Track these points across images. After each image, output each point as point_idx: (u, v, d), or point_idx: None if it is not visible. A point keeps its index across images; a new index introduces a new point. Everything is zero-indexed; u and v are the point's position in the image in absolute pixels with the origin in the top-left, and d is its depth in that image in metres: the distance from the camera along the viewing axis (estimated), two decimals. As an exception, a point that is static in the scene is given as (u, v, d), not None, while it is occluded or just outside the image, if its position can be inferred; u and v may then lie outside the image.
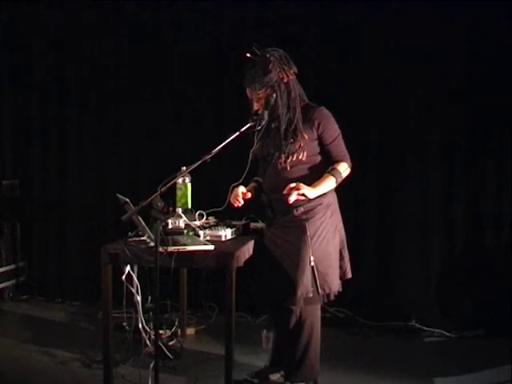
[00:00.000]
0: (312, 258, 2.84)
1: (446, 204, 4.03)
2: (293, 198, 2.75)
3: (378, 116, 4.15)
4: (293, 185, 2.77)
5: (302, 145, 2.84)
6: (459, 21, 3.94)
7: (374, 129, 4.17)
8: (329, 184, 2.88)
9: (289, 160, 2.86)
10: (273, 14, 4.20)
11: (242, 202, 3.02)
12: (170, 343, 3.63)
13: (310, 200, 2.84)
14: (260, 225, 3.31)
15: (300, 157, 2.85)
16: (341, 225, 3.05)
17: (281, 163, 2.88)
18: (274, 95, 2.86)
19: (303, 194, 2.77)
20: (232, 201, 3.03)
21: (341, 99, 4.04)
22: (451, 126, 4.02)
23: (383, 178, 4.18)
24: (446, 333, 3.98)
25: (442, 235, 4.04)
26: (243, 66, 2.91)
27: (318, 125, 2.88)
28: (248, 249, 3.01)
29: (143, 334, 3.04)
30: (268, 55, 2.86)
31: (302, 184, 2.78)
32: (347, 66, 4.14)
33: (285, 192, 2.76)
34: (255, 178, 3.17)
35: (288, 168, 2.87)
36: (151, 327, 3.30)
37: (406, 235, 4.14)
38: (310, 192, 2.81)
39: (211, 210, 3.31)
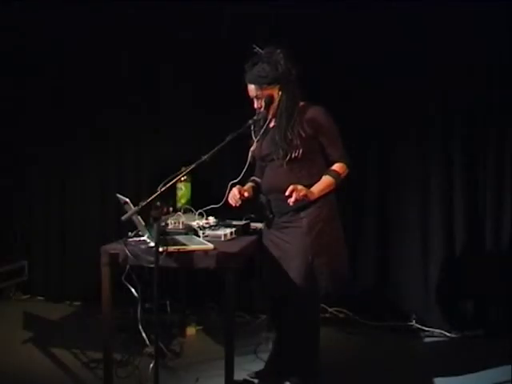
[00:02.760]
0: (311, 258, 2.84)
1: (445, 204, 4.02)
2: (293, 199, 2.74)
3: (378, 116, 4.15)
4: (294, 186, 2.75)
5: (298, 143, 2.84)
6: (458, 21, 3.94)
7: (373, 129, 4.17)
8: (328, 186, 2.88)
9: (287, 158, 2.86)
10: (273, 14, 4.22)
11: (240, 202, 2.98)
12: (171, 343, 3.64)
13: (309, 201, 2.85)
14: (260, 225, 3.31)
15: (296, 154, 2.84)
16: (340, 224, 3.04)
17: (279, 162, 2.88)
18: (280, 92, 2.86)
19: (305, 196, 2.77)
20: (230, 201, 3.00)
21: (340, 99, 4.05)
22: (451, 126, 4.01)
23: (383, 178, 4.18)
24: (446, 333, 3.98)
25: (441, 235, 4.03)
26: (246, 63, 2.89)
27: (316, 124, 2.88)
28: (248, 249, 3.01)
29: (143, 334, 3.04)
30: (277, 50, 2.85)
31: (301, 186, 2.77)
32: (346, 65, 4.14)
33: (287, 193, 2.76)
34: (252, 178, 3.17)
35: (286, 167, 2.87)
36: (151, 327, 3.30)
37: (405, 235, 4.14)
38: (310, 194, 2.81)
39: (209, 207, 3.30)
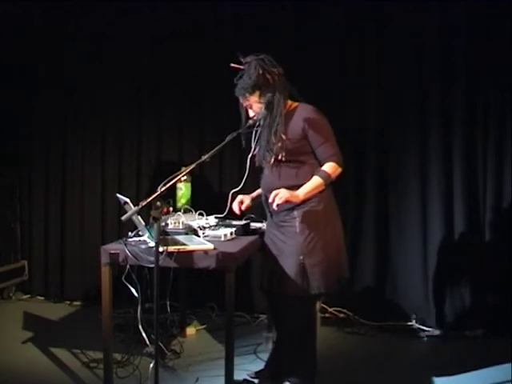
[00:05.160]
0: (302, 258, 2.84)
1: (445, 203, 4.02)
2: (275, 205, 2.79)
3: (376, 113, 4.15)
4: (276, 192, 2.80)
5: (279, 146, 2.85)
6: (455, 17, 3.95)
7: (371, 126, 4.17)
8: (316, 186, 2.89)
9: (272, 161, 2.89)
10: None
11: (239, 213, 3.16)
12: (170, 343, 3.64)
13: (296, 204, 2.86)
14: (260, 225, 3.31)
15: (280, 158, 2.87)
16: (338, 223, 3.05)
17: (268, 164, 2.91)
18: (263, 98, 2.87)
19: (288, 200, 2.79)
20: (234, 208, 3.16)
21: (339, 98, 4.06)
22: (450, 123, 4.01)
23: (382, 178, 4.18)
24: (446, 333, 3.98)
25: (441, 235, 4.03)
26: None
27: (306, 124, 2.89)
28: (248, 249, 3.02)
29: (143, 334, 3.04)
30: (249, 60, 2.89)
31: (284, 190, 2.80)
32: (346, 64, 4.15)
33: (270, 200, 2.81)
34: None
35: (277, 168, 2.91)
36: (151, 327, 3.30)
37: (405, 235, 4.14)
38: (294, 197, 2.83)
39: (213, 216, 3.34)
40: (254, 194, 3.21)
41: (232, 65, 2.90)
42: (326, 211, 2.94)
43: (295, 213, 2.89)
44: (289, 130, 2.87)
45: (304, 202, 2.87)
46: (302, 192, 2.86)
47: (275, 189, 2.83)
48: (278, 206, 2.79)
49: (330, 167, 2.91)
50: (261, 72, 2.85)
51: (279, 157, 2.86)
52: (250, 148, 3.02)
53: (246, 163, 3.03)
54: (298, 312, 2.91)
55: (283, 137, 2.85)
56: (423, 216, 4.08)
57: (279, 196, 2.78)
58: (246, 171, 3.03)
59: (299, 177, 2.89)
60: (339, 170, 2.94)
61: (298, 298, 2.87)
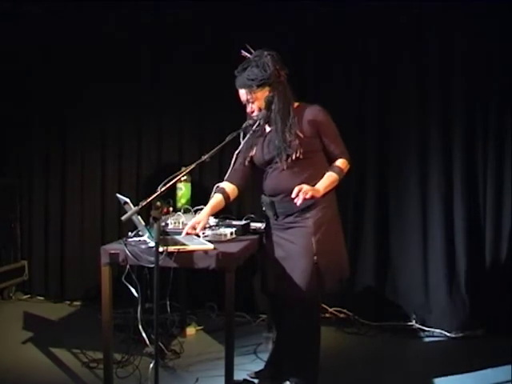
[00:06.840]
0: (316, 258, 2.84)
1: (445, 204, 4.02)
2: (301, 200, 2.74)
3: (377, 114, 4.15)
4: (299, 187, 2.76)
5: (297, 143, 2.84)
6: (455, 17, 3.95)
7: (372, 127, 4.17)
8: (332, 182, 2.91)
9: (289, 160, 2.86)
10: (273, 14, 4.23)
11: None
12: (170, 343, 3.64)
13: (316, 199, 2.85)
14: (260, 225, 3.31)
15: (297, 155, 2.85)
16: (340, 223, 3.04)
17: (282, 164, 2.88)
18: (272, 94, 2.86)
19: (312, 196, 2.78)
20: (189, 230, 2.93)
21: (340, 98, 4.06)
22: (451, 125, 4.01)
23: (382, 178, 4.18)
24: (445, 333, 3.98)
25: (441, 235, 4.03)
26: (237, 67, 2.90)
27: (316, 123, 2.89)
28: (248, 249, 3.01)
29: (143, 334, 3.04)
30: (261, 53, 2.87)
31: (306, 186, 2.78)
32: (346, 64, 4.16)
33: (293, 195, 2.76)
34: (221, 187, 3.05)
35: (289, 168, 2.88)
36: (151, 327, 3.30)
37: (405, 235, 4.14)
38: (316, 191, 2.81)
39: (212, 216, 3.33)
40: (208, 209, 2.98)
41: (243, 52, 2.89)
42: (334, 212, 2.98)
43: (307, 214, 2.88)
44: (302, 128, 2.87)
45: (316, 203, 2.87)
46: (322, 186, 2.86)
47: (289, 189, 2.79)
48: (303, 200, 2.74)
49: (342, 163, 2.94)
50: (277, 67, 2.85)
51: (297, 153, 2.84)
52: (239, 144, 3.00)
53: (233, 159, 3.01)
54: (305, 314, 2.89)
55: (301, 135, 2.85)
56: (423, 216, 4.08)
57: (303, 191, 2.74)
58: (231, 166, 3.02)
59: (313, 175, 2.88)
60: (349, 166, 2.98)
61: (310, 299, 2.87)
